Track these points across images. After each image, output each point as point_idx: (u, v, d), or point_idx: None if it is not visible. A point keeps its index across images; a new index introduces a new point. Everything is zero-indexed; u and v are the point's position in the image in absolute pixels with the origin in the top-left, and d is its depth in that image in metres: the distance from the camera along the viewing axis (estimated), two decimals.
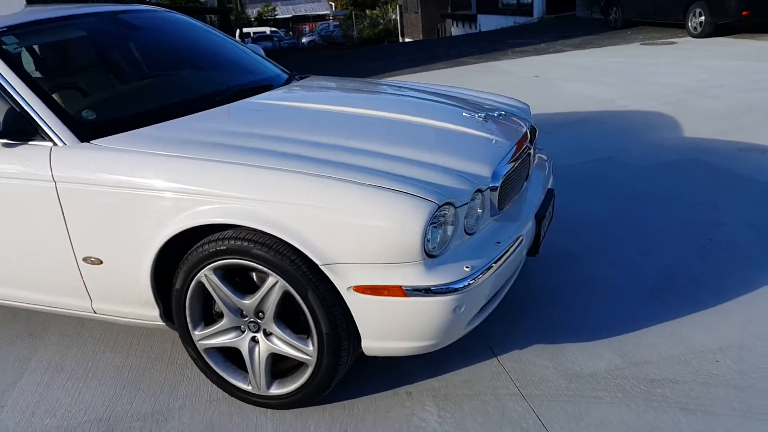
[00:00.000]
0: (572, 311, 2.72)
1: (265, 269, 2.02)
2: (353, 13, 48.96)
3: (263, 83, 3.14)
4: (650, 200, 3.86)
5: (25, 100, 2.31)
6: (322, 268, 1.96)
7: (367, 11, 50.55)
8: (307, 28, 58.60)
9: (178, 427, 2.22)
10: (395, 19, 40.49)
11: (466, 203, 2.05)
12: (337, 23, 51.36)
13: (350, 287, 1.95)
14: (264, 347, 2.18)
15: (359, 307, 1.97)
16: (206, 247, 2.08)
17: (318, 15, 61.42)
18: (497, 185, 2.21)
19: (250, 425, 2.20)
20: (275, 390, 2.22)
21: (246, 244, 2.00)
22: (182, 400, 2.37)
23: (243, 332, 2.21)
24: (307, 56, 20.41)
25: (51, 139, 2.27)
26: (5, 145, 2.32)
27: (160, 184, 2.09)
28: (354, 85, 3.35)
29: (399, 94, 3.13)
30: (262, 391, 2.23)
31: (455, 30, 26.41)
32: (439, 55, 12.61)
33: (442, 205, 1.93)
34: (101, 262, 2.29)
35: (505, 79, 8.89)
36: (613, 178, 4.33)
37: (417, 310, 1.94)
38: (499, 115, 2.71)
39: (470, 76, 9.37)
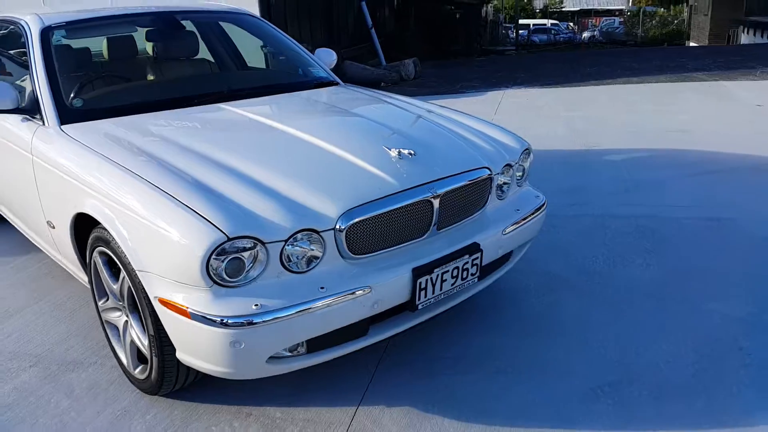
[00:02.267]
0: (482, 384, 2.41)
1: (118, 263, 2.23)
2: (641, 10, 45.29)
3: (275, 89, 3.29)
4: None
5: (39, 85, 2.83)
6: (137, 272, 2.09)
7: (660, 10, 46.37)
8: (594, 21, 55.99)
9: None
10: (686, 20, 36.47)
11: (282, 240, 1.98)
12: (622, 20, 48.07)
13: (156, 297, 2.05)
14: (130, 333, 2.39)
15: (164, 317, 2.06)
16: (93, 233, 2.36)
17: (608, 10, 58.19)
18: (343, 227, 2.07)
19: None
20: (138, 373, 2.42)
21: (106, 235, 2.22)
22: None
23: (121, 314, 2.45)
24: (561, 52, 19.60)
25: (42, 119, 2.75)
26: (23, 119, 2.87)
27: (75, 171, 2.42)
28: (335, 100, 3.30)
29: (353, 114, 3.02)
30: (131, 371, 2.45)
31: (744, 38, 22.82)
32: (674, 66, 11.19)
33: (236, 238, 1.91)
34: (54, 227, 2.73)
35: (711, 103, 7.60)
36: None
37: (200, 334, 1.96)
38: (425, 152, 2.46)
39: (674, 96, 8.22)
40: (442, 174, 2.36)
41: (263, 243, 1.96)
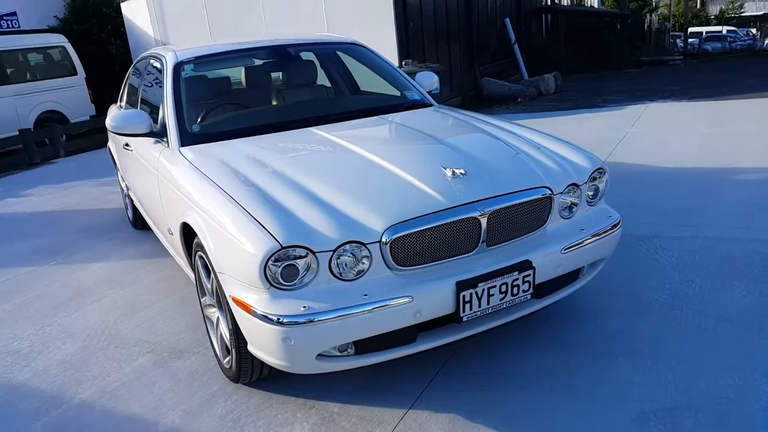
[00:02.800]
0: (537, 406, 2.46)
1: (209, 265, 2.61)
2: None
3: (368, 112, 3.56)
4: None
5: (166, 112, 3.36)
6: (218, 274, 2.44)
7: None
8: None
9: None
10: None
11: (331, 250, 2.22)
12: None
13: (231, 296, 2.38)
14: (220, 327, 2.77)
15: (237, 314, 2.39)
16: (195, 239, 2.77)
17: None
18: (388, 240, 2.26)
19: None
20: (225, 363, 2.79)
21: (201, 241, 2.62)
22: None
23: (215, 310, 2.84)
24: (735, 60, 17.88)
25: (167, 142, 3.27)
26: (155, 141, 3.42)
27: (182, 185, 2.88)
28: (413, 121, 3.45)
29: (424, 135, 3.13)
30: (221, 360, 2.83)
31: None
32: None
33: (289, 247, 2.17)
34: (171, 234, 3.22)
35: None
36: None
37: (261, 330, 2.25)
38: (481, 171, 2.57)
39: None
40: (494, 193, 2.46)
41: (314, 252, 2.21)
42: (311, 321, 2.17)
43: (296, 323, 2.17)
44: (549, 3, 19.31)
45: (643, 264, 3.62)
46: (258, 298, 2.25)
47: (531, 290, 2.50)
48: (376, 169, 2.62)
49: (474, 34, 12.60)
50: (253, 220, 2.28)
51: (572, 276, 2.77)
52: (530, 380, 2.60)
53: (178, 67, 3.59)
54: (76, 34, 14.86)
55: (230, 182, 2.60)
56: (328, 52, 4.28)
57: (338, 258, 2.24)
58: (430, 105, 3.86)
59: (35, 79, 10.82)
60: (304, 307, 2.19)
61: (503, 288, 2.43)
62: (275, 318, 2.19)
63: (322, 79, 4.22)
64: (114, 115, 3.38)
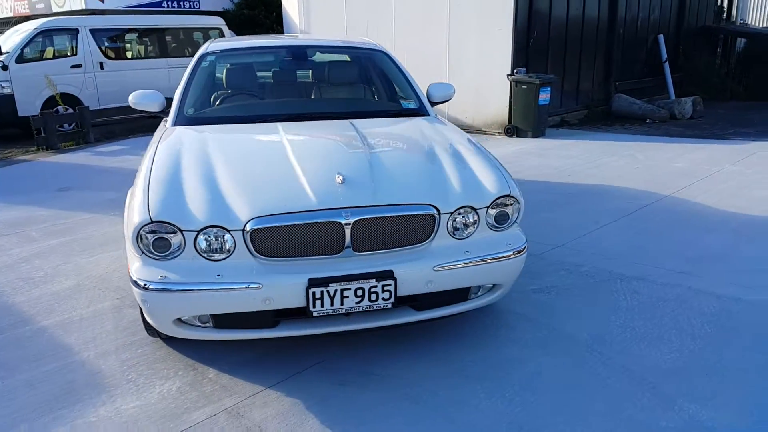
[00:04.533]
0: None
1: None
2: None
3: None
4: None
5: (176, 97, 3.83)
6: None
7: None
8: None
9: None
10: None
11: (195, 231, 2.50)
12: None
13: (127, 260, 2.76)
14: None
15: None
16: None
17: None
18: (249, 229, 2.48)
19: None
20: None
21: None
22: None
23: None
24: None
25: (166, 122, 3.74)
26: (164, 119, 3.91)
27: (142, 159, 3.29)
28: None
29: (362, 140, 3.18)
30: None
31: None
32: None
33: (158, 222, 2.49)
34: None
35: None
36: None
37: (134, 291, 2.60)
38: (370, 181, 2.68)
39: None
40: (367, 203, 2.57)
41: (181, 230, 2.50)
42: (164, 289, 2.48)
43: (152, 289, 2.49)
44: (723, 23, 17.48)
45: (601, 301, 3.44)
46: (136, 265, 2.59)
47: (392, 300, 2.58)
48: (283, 165, 2.83)
49: (615, 47, 11.93)
50: (146, 195, 2.63)
51: (460, 296, 2.78)
52: (390, 386, 2.68)
53: (202, 57, 4.06)
54: (245, 18, 16.47)
55: (162, 161, 2.96)
56: (352, 55, 4.49)
57: (202, 238, 2.51)
58: (425, 115, 3.90)
59: (191, 55, 12.23)
60: (162, 276, 2.50)
61: (359, 292, 2.54)
62: (139, 282, 2.52)
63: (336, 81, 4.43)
64: (134, 93, 3.92)
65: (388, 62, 4.27)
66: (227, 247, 2.53)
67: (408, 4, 10.66)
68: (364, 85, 4.31)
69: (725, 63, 15.92)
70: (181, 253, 2.54)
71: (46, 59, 10.49)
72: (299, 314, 2.60)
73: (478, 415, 2.47)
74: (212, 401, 2.63)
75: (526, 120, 9.42)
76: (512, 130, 9.58)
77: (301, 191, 2.60)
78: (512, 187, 2.84)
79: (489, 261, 2.71)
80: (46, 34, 10.45)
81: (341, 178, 2.65)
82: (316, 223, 2.52)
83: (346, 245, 2.55)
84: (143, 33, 11.89)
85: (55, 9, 15.53)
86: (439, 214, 2.65)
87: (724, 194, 5.64)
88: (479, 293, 2.85)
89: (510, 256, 2.76)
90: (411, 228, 2.62)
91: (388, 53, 4.35)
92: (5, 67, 9.84)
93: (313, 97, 4.19)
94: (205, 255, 2.54)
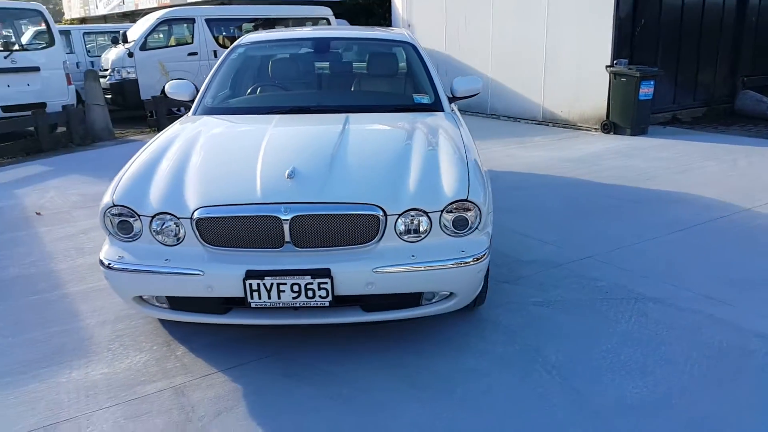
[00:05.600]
0: None
1: None
2: None
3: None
4: None
5: (202, 88, 4.06)
6: None
7: None
8: None
9: None
10: None
11: (149, 216, 2.65)
12: None
13: None
14: None
15: None
16: None
17: None
18: (195, 218, 2.59)
19: None
20: None
21: None
22: None
23: None
24: None
25: (188, 112, 3.98)
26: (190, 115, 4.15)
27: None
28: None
29: (343, 136, 3.16)
30: None
31: None
32: None
33: (117, 205, 2.68)
34: None
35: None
36: None
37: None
38: (321, 178, 2.69)
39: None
40: (309, 199, 2.58)
41: (138, 215, 2.67)
42: (120, 269, 2.66)
43: (111, 268, 2.68)
44: None
45: (599, 322, 3.19)
46: (105, 245, 2.81)
47: (329, 298, 2.58)
48: (250, 158, 2.90)
49: (744, 37, 10.74)
50: (119, 179, 2.83)
51: (412, 301, 2.71)
52: (330, 382, 2.70)
53: (233, 49, 4.25)
54: (360, 8, 16.81)
55: (153, 147, 3.17)
56: (375, 48, 4.46)
57: (156, 224, 2.66)
58: (438, 110, 3.81)
59: None
60: (120, 256, 2.68)
61: (295, 288, 2.56)
62: (102, 260, 2.73)
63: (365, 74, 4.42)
64: (170, 82, 4.19)
65: (413, 55, 4.19)
66: (179, 234, 2.66)
67: None
68: (383, 78, 4.26)
69: None
70: (140, 236, 2.70)
71: (167, 47, 11.41)
72: (242, 304, 2.67)
73: (394, 423, 2.41)
74: (168, 377, 2.79)
75: (625, 116, 8.80)
76: (609, 126, 8.98)
77: (251, 184, 2.66)
78: (473, 192, 2.69)
79: (436, 267, 2.61)
80: (167, 23, 11.37)
81: (291, 173, 2.67)
82: (256, 216, 2.57)
83: (286, 240, 2.58)
84: (254, 23, 12.54)
85: None
86: (386, 215, 2.60)
87: None
88: (434, 300, 2.75)
89: (462, 264, 2.63)
90: (354, 228, 2.59)
91: (416, 45, 4.27)
92: (131, 54, 10.84)
93: (327, 89, 4.23)
94: (160, 240, 2.68)
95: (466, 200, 2.66)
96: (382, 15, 16.13)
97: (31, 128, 8.54)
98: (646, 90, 8.64)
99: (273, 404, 2.57)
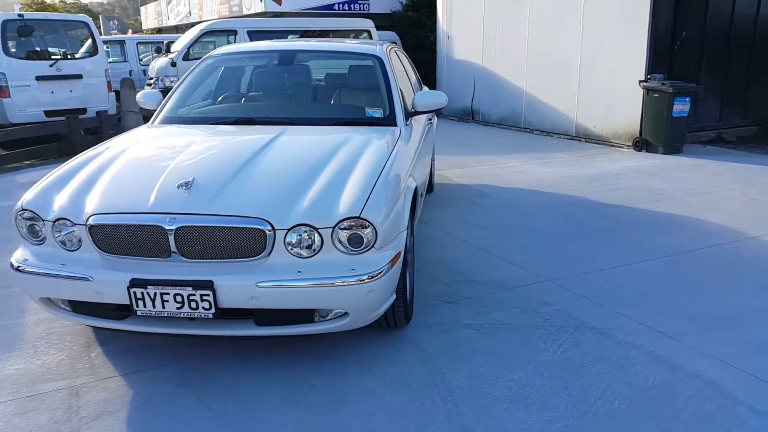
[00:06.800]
0: None
1: None
2: None
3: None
4: None
5: (166, 98, 4.16)
6: None
7: None
8: None
9: None
10: None
11: (51, 221, 2.72)
12: None
13: None
14: None
15: None
16: None
17: None
18: (87, 225, 2.64)
19: None
20: None
21: None
22: None
23: None
24: None
25: (153, 119, 4.08)
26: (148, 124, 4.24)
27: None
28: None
29: (265, 148, 3.14)
30: None
31: None
32: None
33: (24, 210, 2.77)
34: None
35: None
36: None
37: None
38: (214, 190, 2.68)
39: None
40: (197, 211, 2.57)
41: (42, 219, 2.75)
42: (23, 270, 2.74)
43: (16, 269, 2.77)
44: None
45: (525, 350, 3.02)
46: (18, 247, 2.90)
47: (213, 310, 2.56)
48: (162, 167, 2.91)
49: None
50: (38, 184, 2.92)
51: (305, 317, 2.66)
52: (219, 395, 2.68)
53: (203, 61, 4.34)
54: (410, 20, 16.81)
55: (88, 154, 3.25)
56: (340, 61, 4.43)
57: (57, 229, 2.73)
58: (390, 125, 3.71)
59: None
60: (25, 259, 2.76)
61: (178, 298, 2.56)
62: (12, 262, 2.82)
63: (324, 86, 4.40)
64: (141, 92, 4.31)
65: (377, 69, 4.11)
66: (76, 239, 2.71)
67: (543, 8, 10.04)
68: (342, 91, 4.21)
69: None
70: (45, 240, 2.77)
71: None
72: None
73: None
74: (72, 377, 2.85)
75: (657, 133, 8.36)
76: (641, 143, 8.56)
77: (147, 193, 2.68)
78: (369, 209, 2.60)
79: (322, 285, 2.53)
80: (210, 34, 11.76)
81: (185, 183, 2.68)
82: (143, 225, 2.58)
83: (173, 250, 2.58)
84: (295, 35, 12.79)
85: (244, 11, 17.34)
86: (274, 230, 2.55)
87: None
88: (328, 317, 2.68)
89: (350, 282, 2.55)
90: (240, 240, 2.56)
91: (383, 59, 4.20)
92: (174, 64, 11.27)
93: (279, 102, 4.22)
94: (62, 245, 2.74)
95: (358, 218, 2.58)
96: (431, 27, 16.05)
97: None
98: (681, 107, 8.18)
99: (155, 413, 2.57)
